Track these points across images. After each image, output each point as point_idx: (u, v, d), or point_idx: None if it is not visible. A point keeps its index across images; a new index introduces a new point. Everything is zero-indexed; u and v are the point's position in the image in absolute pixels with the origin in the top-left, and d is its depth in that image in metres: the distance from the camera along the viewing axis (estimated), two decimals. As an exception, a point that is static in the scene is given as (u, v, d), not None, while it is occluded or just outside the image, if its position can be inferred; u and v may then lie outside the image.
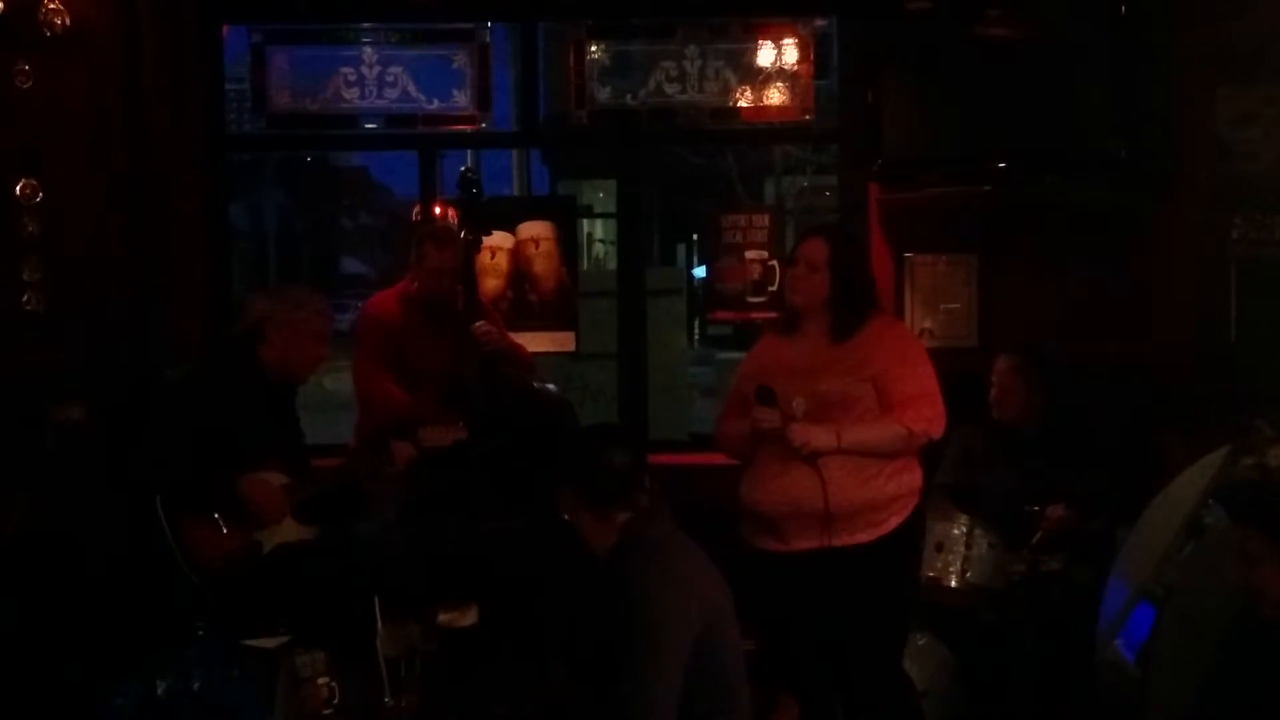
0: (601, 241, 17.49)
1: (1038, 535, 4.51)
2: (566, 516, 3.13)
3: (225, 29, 5.81)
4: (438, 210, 5.94)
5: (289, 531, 4.05)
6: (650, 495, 3.13)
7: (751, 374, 3.98)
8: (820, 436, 3.71)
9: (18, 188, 4.96)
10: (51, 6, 4.91)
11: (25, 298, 5.00)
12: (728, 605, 3.08)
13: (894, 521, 3.80)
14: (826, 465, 3.71)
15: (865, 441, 3.75)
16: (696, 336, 12.27)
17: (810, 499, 3.70)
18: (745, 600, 3.71)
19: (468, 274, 4.58)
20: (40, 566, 4.41)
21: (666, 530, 3.11)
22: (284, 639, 3.36)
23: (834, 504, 3.69)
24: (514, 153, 15.22)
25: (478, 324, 4.61)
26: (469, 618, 3.53)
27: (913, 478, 3.87)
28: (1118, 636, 3.18)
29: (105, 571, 4.18)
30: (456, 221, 5.23)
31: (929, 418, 3.80)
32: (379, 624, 3.19)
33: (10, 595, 4.18)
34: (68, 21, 4.92)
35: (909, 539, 3.88)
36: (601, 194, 16.94)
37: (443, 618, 3.48)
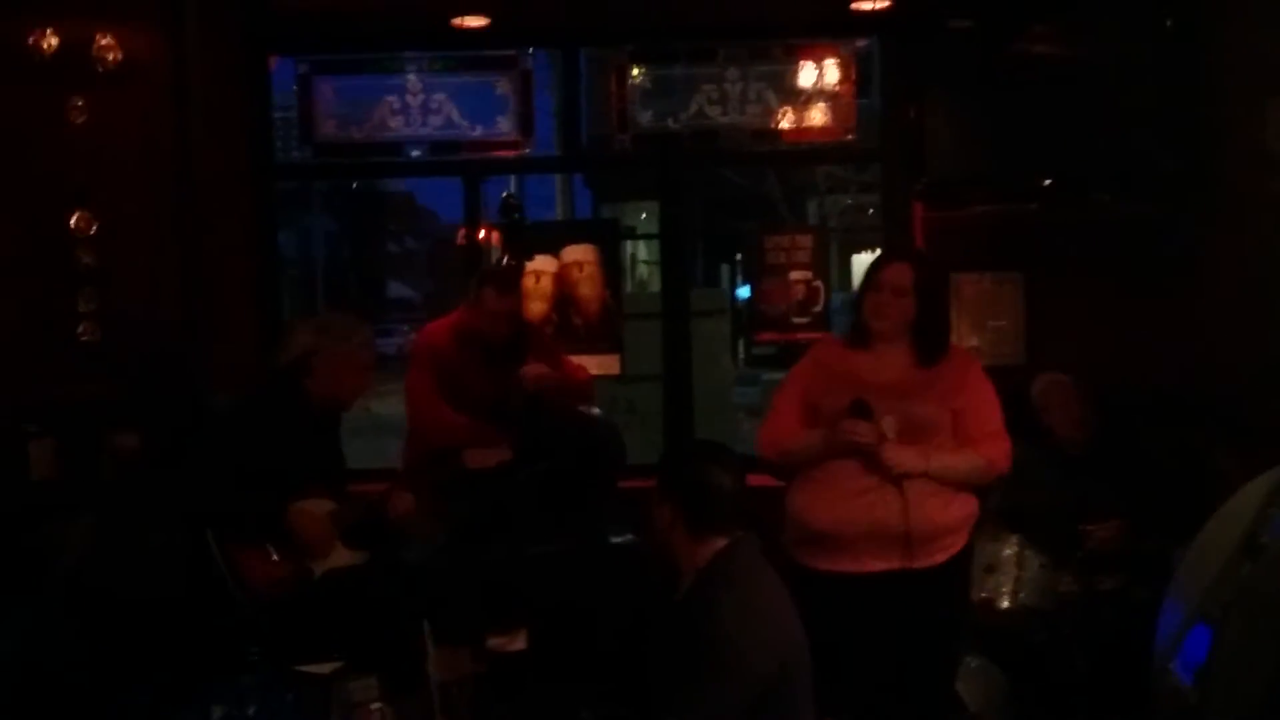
0: (645, 263, 17.49)
1: (1084, 550, 4.48)
2: (658, 533, 3.10)
3: (273, 60, 5.90)
4: (483, 234, 5.98)
5: (338, 557, 4.07)
6: (746, 525, 3.12)
7: (823, 383, 3.91)
8: (912, 459, 3.71)
9: (73, 220, 5.03)
10: (104, 43, 4.99)
11: (81, 328, 5.06)
12: (804, 646, 3.05)
13: (961, 544, 3.82)
14: (910, 487, 3.71)
15: (951, 469, 3.77)
16: (741, 357, 12.24)
17: (894, 520, 3.69)
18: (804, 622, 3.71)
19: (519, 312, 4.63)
20: (100, 593, 4.46)
21: (755, 560, 3.09)
22: (337, 664, 3.38)
23: (916, 526, 3.69)
24: (557, 177, 15.28)
25: (527, 368, 4.64)
26: (518, 642, 3.54)
27: (974, 501, 3.89)
28: (1174, 659, 3.14)
29: (162, 599, 4.21)
30: (498, 246, 5.28)
31: (1005, 453, 3.86)
32: (430, 648, 3.20)
33: (71, 621, 4.22)
34: (119, 57, 5.01)
35: (967, 561, 3.92)
36: (645, 215, 16.96)
37: (492, 642, 3.49)
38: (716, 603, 2.92)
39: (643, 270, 17.41)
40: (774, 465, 3.98)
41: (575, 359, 5.28)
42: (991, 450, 3.82)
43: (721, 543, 3.06)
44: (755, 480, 5.23)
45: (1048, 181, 5.12)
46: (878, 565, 3.73)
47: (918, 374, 3.86)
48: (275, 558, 3.99)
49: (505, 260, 4.86)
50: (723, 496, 3.09)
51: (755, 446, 4.08)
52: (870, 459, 3.70)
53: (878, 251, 6.07)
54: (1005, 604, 4.38)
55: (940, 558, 3.76)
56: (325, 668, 3.37)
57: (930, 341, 3.88)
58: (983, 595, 4.35)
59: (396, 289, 29.94)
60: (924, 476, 3.72)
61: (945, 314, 3.99)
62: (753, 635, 2.87)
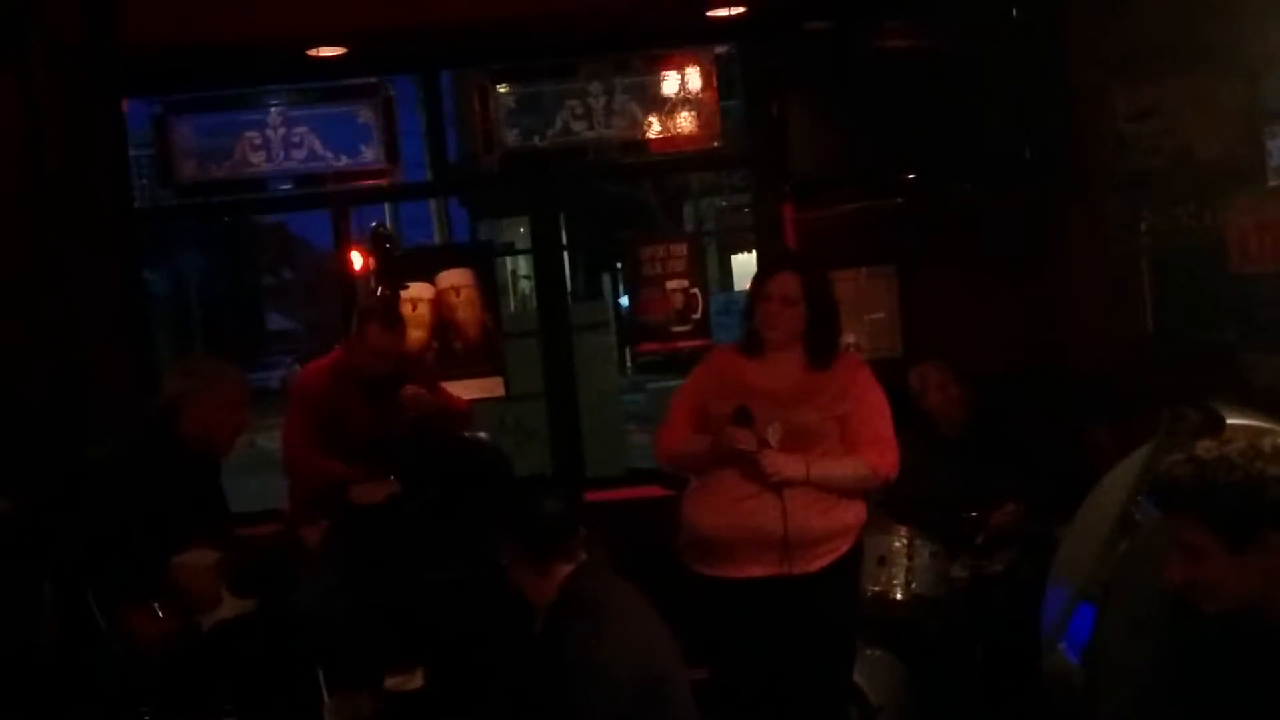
0: (527, 278, 17.44)
1: (981, 536, 4.55)
2: (509, 569, 3.11)
3: (125, 103, 5.75)
4: (355, 257, 5.90)
5: (227, 608, 3.98)
6: (590, 547, 3.12)
7: (714, 390, 3.94)
8: (792, 466, 3.72)
9: (-77, 278, 4.86)
10: (-54, 94, 4.83)
11: (-66, 391, 4.89)
12: (672, 656, 3.06)
13: (843, 548, 3.83)
14: (790, 494, 3.72)
15: (831, 476, 3.79)
16: (629, 364, 12.26)
17: (772, 526, 3.69)
18: (692, 627, 3.72)
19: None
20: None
21: (607, 586, 3.10)
22: (229, 720, 3.31)
23: (794, 532, 3.70)
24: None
25: (406, 390, 4.60)
26: (416, 680, 3.50)
27: (861, 506, 3.92)
28: (1061, 639, 3.20)
29: (44, 664, 4.08)
30: (373, 276, 5.21)
31: (892, 463, 3.87)
32: (325, 695, 3.15)
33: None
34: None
35: (854, 563, 3.93)
36: (523, 229, 16.89)
37: (390, 682, 3.45)
38: (568, 633, 2.94)
39: (525, 287, 17.36)
40: (670, 470, 4.01)
41: (456, 385, 5.25)
42: (876, 458, 3.84)
43: (567, 569, 3.07)
44: (643, 491, 5.31)
45: (910, 175, 5.19)
46: (757, 570, 3.76)
47: (805, 381, 3.88)
48: (161, 614, 3.88)
49: (379, 291, 4.79)
50: (553, 524, 3.11)
51: (653, 452, 4.12)
52: (752, 466, 3.71)
53: (755, 253, 6.12)
54: (899, 595, 4.42)
55: (820, 563, 3.78)
56: (217, 725, 3.29)
57: (821, 345, 3.91)
58: (876, 588, 4.39)
59: (276, 321, 29.46)
60: (805, 484, 3.73)
61: (835, 317, 3.99)
62: (605, 668, 2.87)
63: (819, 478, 3.76)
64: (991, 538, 4.60)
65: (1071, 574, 3.29)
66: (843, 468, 3.81)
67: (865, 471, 3.83)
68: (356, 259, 5.91)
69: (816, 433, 3.81)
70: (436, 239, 15.60)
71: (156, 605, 3.87)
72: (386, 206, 11.74)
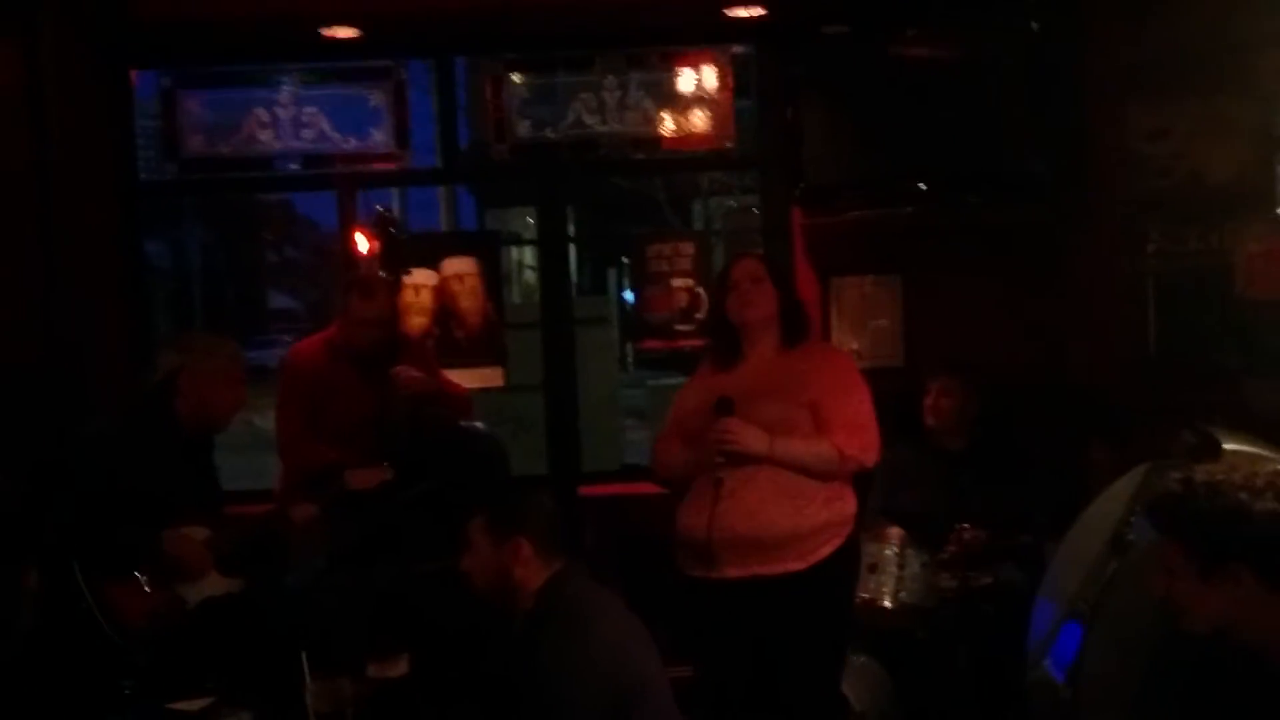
0: (533, 269, 17.41)
1: (949, 551, 4.54)
2: (498, 570, 3.08)
3: (134, 75, 5.73)
4: (359, 239, 5.88)
5: (214, 585, 3.97)
6: (568, 551, 3.11)
7: (692, 402, 3.94)
8: (753, 436, 3.68)
9: (-77, 250, 4.84)
10: (-48, 64, 4.81)
11: (-63, 362, 4.87)
12: (651, 660, 3.05)
13: (825, 550, 3.77)
14: (759, 494, 3.69)
15: (795, 454, 3.72)
16: (630, 360, 12.25)
17: (739, 527, 3.68)
18: (682, 628, 3.71)
19: (391, 318, 4.54)
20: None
21: (585, 592, 3.08)
22: (208, 700, 3.30)
23: (763, 532, 3.68)
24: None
25: (399, 368, 4.57)
26: (399, 668, 3.49)
27: (845, 505, 3.85)
28: (1046, 656, 3.19)
29: (25, 637, 4.07)
30: (377, 258, 5.19)
31: (862, 445, 3.79)
32: (307, 678, 3.14)
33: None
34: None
35: (843, 566, 3.86)
36: (530, 220, 16.87)
37: (373, 669, 3.43)
38: (545, 643, 2.94)
39: (530, 278, 17.34)
40: (667, 479, 4.01)
41: (457, 374, 5.23)
42: (845, 440, 3.75)
43: (556, 566, 3.05)
44: (639, 487, 5.29)
45: (921, 185, 5.17)
46: (731, 572, 3.72)
47: (772, 375, 3.86)
48: (147, 589, 3.87)
49: (382, 275, 4.77)
50: (559, 522, 3.14)
51: (650, 466, 4.13)
52: (732, 461, 3.69)
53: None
54: (888, 603, 4.41)
55: (798, 564, 3.72)
56: (197, 704, 3.28)
57: (794, 324, 3.93)
58: (865, 595, 4.38)
59: (277, 299, 29.40)
60: (768, 462, 3.69)
61: (800, 300, 4.06)
62: (584, 670, 2.87)
63: (783, 454, 3.70)
64: (962, 555, 4.58)
65: (1061, 591, 3.29)
66: (808, 447, 3.73)
67: (831, 453, 3.74)
68: (361, 242, 5.90)
69: (784, 424, 3.75)
70: (443, 226, 15.57)
71: (143, 579, 3.87)
72: (394, 191, 11.72)
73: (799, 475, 3.73)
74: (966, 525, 4.58)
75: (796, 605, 3.73)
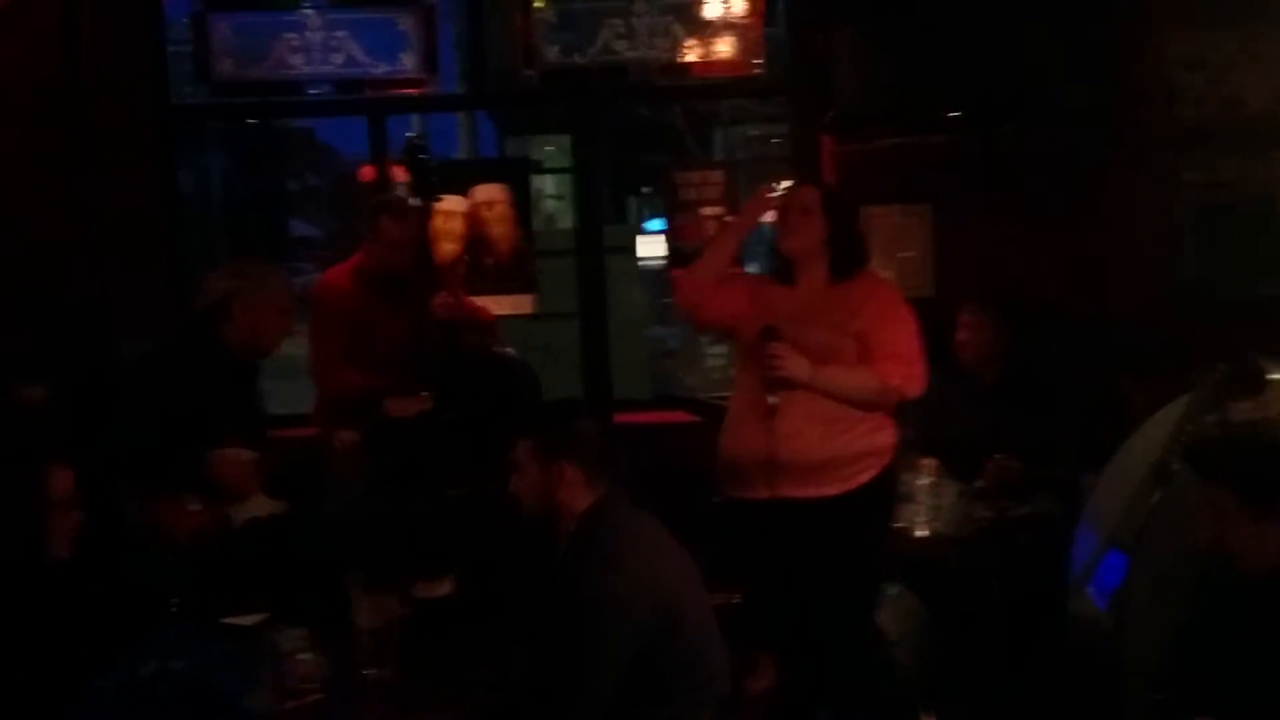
0: (552, 198, 17.32)
1: (984, 481, 4.56)
2: (543, 493, 3.09)
3: (164, -1, 5.72)
4: (394, 173, 5.88)
5: (259, 506, 4.01)
6: (612, 476, 3.12)
7: (746, 313, 3.94)
8: (798, 364, 3.70)
9: (-41, 167, 4.87)
10: (-12, -16, 4.81)
11: (-23, 280, 4.92)
12: (691, 586, 3.07)
13: (862, 478, 3.80)
14: (793, 418, 3.72)
15: (837, 385, 3.74)
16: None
17: (765, 448, 3.70)
18: (727, 552, 3.75)
19: (422, 241, 4.54)
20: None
21: (626, 519, 3.10)
22: (263, 615, 3.35)
23: (796, 457, 3.71)
24: (460, 112, 15.03)
25: (439, 299, 4.58)
26: (445, 588, 3.53)
27: (885, 435, 3.87)
28: (1089, 584, 3.22)
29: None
30: (405, 184, 5.18)
31: (906, 375, 3.80)
32: (356, 597, 3.18)
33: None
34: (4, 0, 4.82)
35: (880, 496, 3.88)
36: (550, 148, 16.74)
37: (418, 588, 3.48)
38: (586, 572, 2.94)
39: (550, 206, 17.26)
40: (690, 299, 4.01)
41: (486, 300, 5.24)
42: (889, 370, 3.77)
43: (600, 491, 3.08)
44: (671, 416, 5.32)
45: (954, 113, 5.14)
46: (763, 492, 3.76)
47: (821, 301, 3.87)
48: (194, 507, 3.92)
49: (412, 200, 4.76)
50: (605, 447, 3.13)
51: (675, 296, 4.18)
52: (765, 386, 3.71)
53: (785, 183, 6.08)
54: (921, 532, 4.44)
55: (834, 489, 3.76)
56: (251, 619, 3.33)
57: (842, 256, 3.90)
58: (898, 524, 4.40)
59: (299, 227, 29.24)
60: (809, 387, 3.71)
61: (858, 232, 4.03)
62: (624, 600, 2.88)
63: (825, 381, 3.72)
64: (993, 485, 4.60)
65: (1103, 520, 3.30)
66: (851, 377, 3.76)
67: (875, 383, 3.76)
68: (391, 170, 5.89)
69: (830, 351, 3.77)
70: (463, 154, 15.48)
71: (189, 498, 3.91)
72: (415, 117, 11.66)
73: (839, 403, 3.75)
74: (1000, 455, 4.59)
75: (830, 531, 3.76)
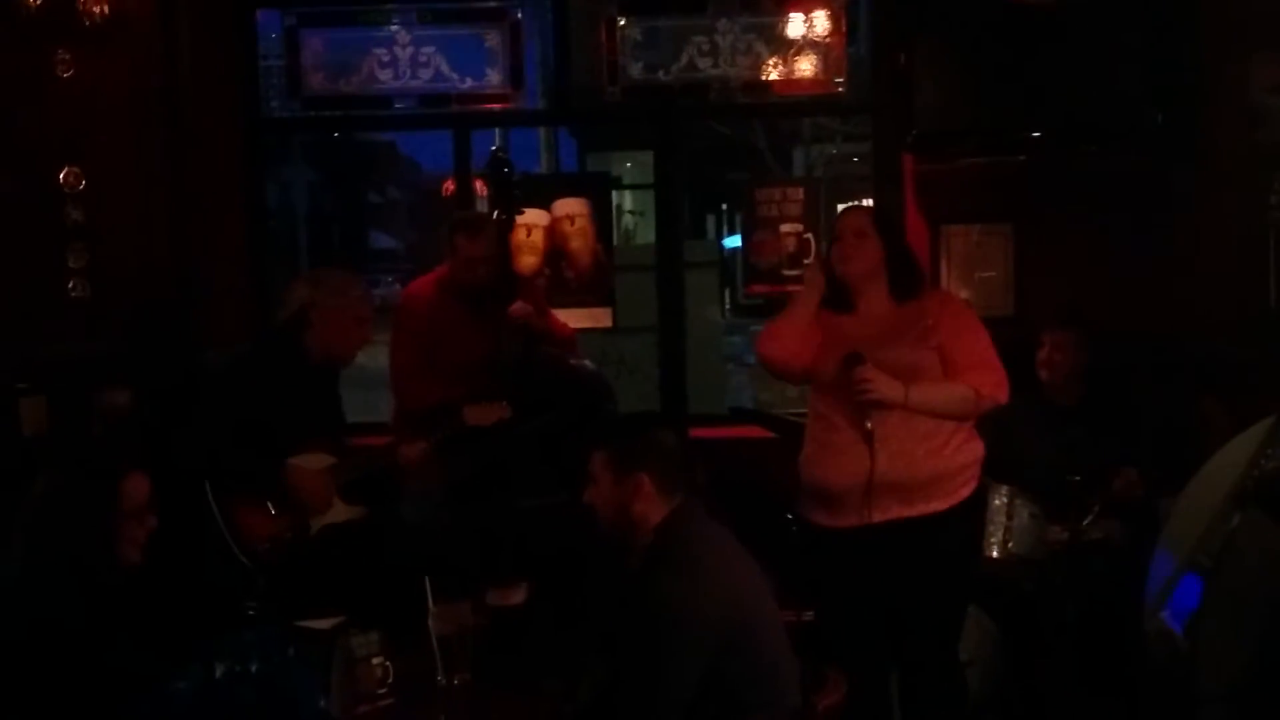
0: (631, 213, 17.41)
1: (1095, 503, 4.50)
2: (617, 506, 3.10)
3: (259, 13, 5.85)
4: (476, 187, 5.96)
5: (336, 512, 4.10)
6: (687, 488, 3.13)
7: (819, 347, 3.92)
8: (889, 384, 3.69)
9: (61, 176, 5.01)
10: (91, -3, 4.95)
11: (70, 285, 5.06)
12: (763, 601, 3.07)
13: (965, 490, 3.80)
14: (892, 439, 3.70)
15: (931, 401, 3.73)
16: (728, 307, 12.26)
17: (872, 473, 3.67)
18: (795, 574, 3.74)
19: (503, 254, 4.60)
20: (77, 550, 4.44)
21: (702, 531, 3.10)
22: (338, 620, 3.40)
23: (899, 475, 3.69)
24: (541, 128, 15.19)
25: (515, 306, 4.64)
26: (518, 596, 3.58)
27: (977, 446, 3.87)
28: (1165, 608, 3.18)
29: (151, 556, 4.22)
30: (487, 197, 5.25)
31: (995, 382, 3.80)
32: (431, 603, 3.23)
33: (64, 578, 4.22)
34: (106, 10, 4.96)
35: (976, 510, 3.90)
36: (630, 164, 16.85)
37: (492, 596, 3.52)
38: (660, 583, 2.93)
39: (629, 221, 17.35)
40: (774, 358, 3.97)
41: (566, 313, 5.29)
42: (978, 379, 3.77)
43: (675, 503, 3.09)
44: (745, 431, 5.32)
45: (1036, 134, 5.11)
46: (852, 520, 3.74)
47: (894, 320, 3.86)
48: (273, 513, 4.01)
49: (495, 215, 4.84)
50: (681, 459, 3.13)
51: (756, 347, 4.14)
52: (858, 411, 3.71)
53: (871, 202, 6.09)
54: (995, 553, 4.41)
55: (940, 504, 3.74)
56: (326, 623, 3.39)
57: (902, 275, 3.89)
58: (973, 545, 4.38)
59: (380, 240, 29.75)
60: (904, 408, 3.70)
61: (911, 250, 4.04)
62: (697, 613, 2.87)
63: (919, 401, 3.71)
64: (1107, 504, 4.54)
65: (1180, 544, 3.26)
66: (944, 390, 3.75)
67: (968, 393, 3.75)
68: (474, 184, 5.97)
69: (916, 370, 3.76)
70: (544, 169, 15.64)
71: (269, 504, 4.00)
72: (498, 132, 11.81)
73: (934, 418, 3.75)
74: (1126, 469, 4.55)
75: (933, 548, 3.74)
